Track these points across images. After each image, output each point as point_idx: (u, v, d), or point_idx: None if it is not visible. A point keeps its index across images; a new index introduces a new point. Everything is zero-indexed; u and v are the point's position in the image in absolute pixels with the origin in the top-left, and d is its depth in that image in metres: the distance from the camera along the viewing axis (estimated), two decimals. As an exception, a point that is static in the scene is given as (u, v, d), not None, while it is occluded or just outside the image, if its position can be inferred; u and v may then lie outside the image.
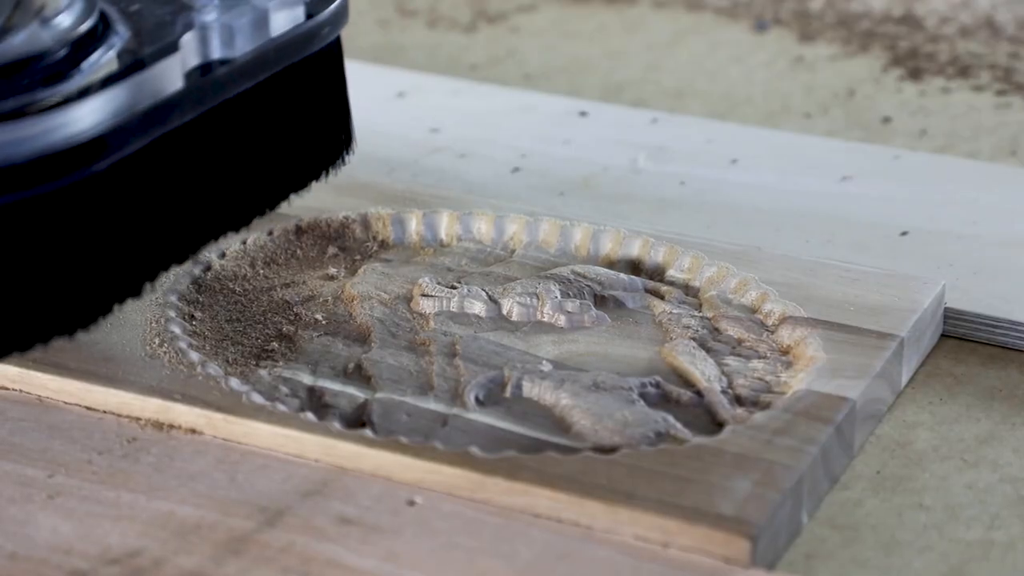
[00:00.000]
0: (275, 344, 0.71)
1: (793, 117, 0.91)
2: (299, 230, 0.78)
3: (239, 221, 0.69)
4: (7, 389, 0.69)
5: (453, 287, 0.74)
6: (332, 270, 0.76)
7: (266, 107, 0.67)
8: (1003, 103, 0.91)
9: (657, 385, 0.69)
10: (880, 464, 0.67)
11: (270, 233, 0.77)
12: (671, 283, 0.75)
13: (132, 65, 0.60)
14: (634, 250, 0.77)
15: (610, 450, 0.65)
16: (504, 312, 0.73)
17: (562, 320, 0.73)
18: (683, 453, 0.64)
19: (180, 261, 0.66)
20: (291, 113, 0.68)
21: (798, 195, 0.82)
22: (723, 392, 0.68)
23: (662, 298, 0.74)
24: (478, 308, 0.73)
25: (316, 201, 0.78)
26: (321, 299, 0.74)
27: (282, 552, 0.61)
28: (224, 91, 0.64)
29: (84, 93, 0.58)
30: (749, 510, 0.61)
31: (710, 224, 0.80)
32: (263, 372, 0.69)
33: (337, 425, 0.66)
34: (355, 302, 0.74)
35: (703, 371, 0.69)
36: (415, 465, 0.64)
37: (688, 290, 0.75)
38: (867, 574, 0.62)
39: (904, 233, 0.79)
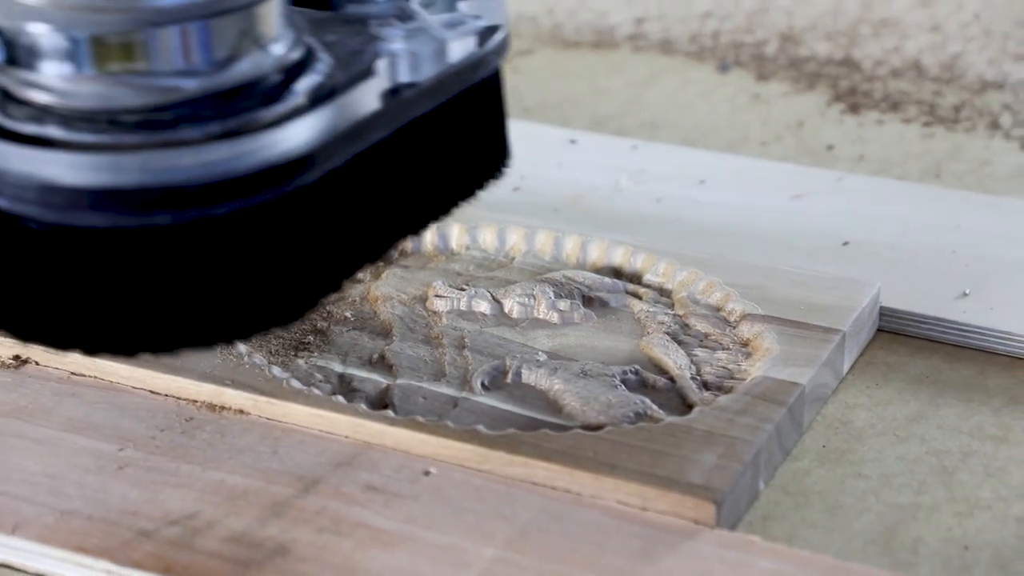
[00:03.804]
0: (311, 337, 0.71)
1: (751, 144, 0.91)
2: (332, 240, 0.78)
3: (419, 225, 0.67)
4: (84, 376, 0.68)
5: (462, 289, 0.74)
6: (359, 274, 0.76)
7: (441, 126, 0.65)
8: (928, 133, 0.91)
9: (636, 372, 0.68)
10: (825, 439, 0.67)
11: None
12: (648, 286, 0.75)
13: (336, 88, 0.58)
14: (617, 258, 0.76)
15: (596, 428, 0.64)
16: (506, 310, 0.73)
17: (555, 317, 0.72)
18: (658, 430, 0.64)
19: (372, 260, 0.64)
20: (461, 131, 0.66)
21: (756, 211, 0.82)
22: (692, 378, 0.68)
23: (640, 298, 0.74)
24: (483, 307, 0.73)
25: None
26: (350, 299, 0.74)
27: (316, 515, 0.61)
28: (410, 111, 0.62)
29: (297, 113, 0.57)
30: (715, 479, 0.61)
31: (682, 236, 0.80)
32: (301, 361, 0.69)
33: (364, 407, 0.66)
34: (379, 302, 0.73)
35: (675, 360, 0.69)
36: (430, 441, 0.64)
37: (662, 292, 0.74)
38: (814, 533, 0.62)
39: (846, 243, 0.79)
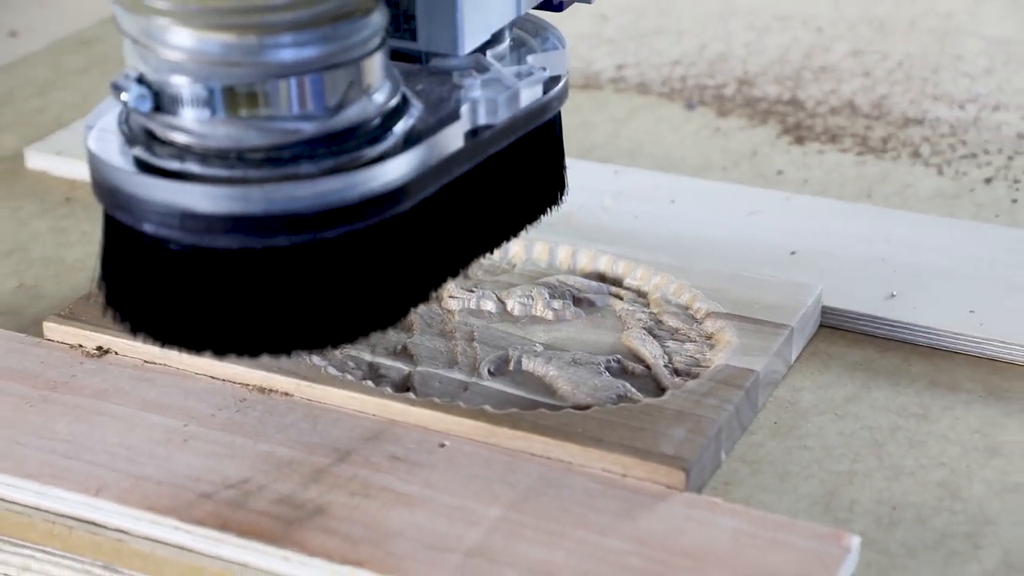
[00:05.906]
0: (346, 332, 0.70)
1: (714, 170, 0.90)
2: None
3: (493, 245, 0.66)
4: (156, 364, 0.68)
5: (471, 291, 0.73)
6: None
7: (512, 161, 0.64)
8: (861, 161, 0.91)
9: (618, 361, 0.68)
10: (776, 417, 0.67)
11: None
12: (628, 288, 0.75)
13: (427, 130, 0.58)
14: (601, 265, 0.76)
15: (585, 408, 0.64)
16: (508, 309, 0.72)
17: (550, 315, 0.72)
18: (637, 410, 0.63)
19: (453, 276, 0.64)
20: (527, 165, 0.66)
21: (718, 225, 0.81)
22: (665, 366, 0.68)
23: (621, 299, 0.73)
24: (489, 306, 0.72)
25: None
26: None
27: (349, 481, 0.60)
28: (488, 149, 0.61)
29: (395, 152, 0.56)
30: (684, 450, 0.61)
31: (656, 246, 0.79)
32: (336, 352, 0.68)
33: (389, 390, 0.65)
34: (403, 301, 0.73)
35: (651, 351, 0.68)
36: (445, 418, 0.63)
37: (640, 293, 0.74)
38: (768, 496, 0.62)
39: (793, 253, 0.79)
